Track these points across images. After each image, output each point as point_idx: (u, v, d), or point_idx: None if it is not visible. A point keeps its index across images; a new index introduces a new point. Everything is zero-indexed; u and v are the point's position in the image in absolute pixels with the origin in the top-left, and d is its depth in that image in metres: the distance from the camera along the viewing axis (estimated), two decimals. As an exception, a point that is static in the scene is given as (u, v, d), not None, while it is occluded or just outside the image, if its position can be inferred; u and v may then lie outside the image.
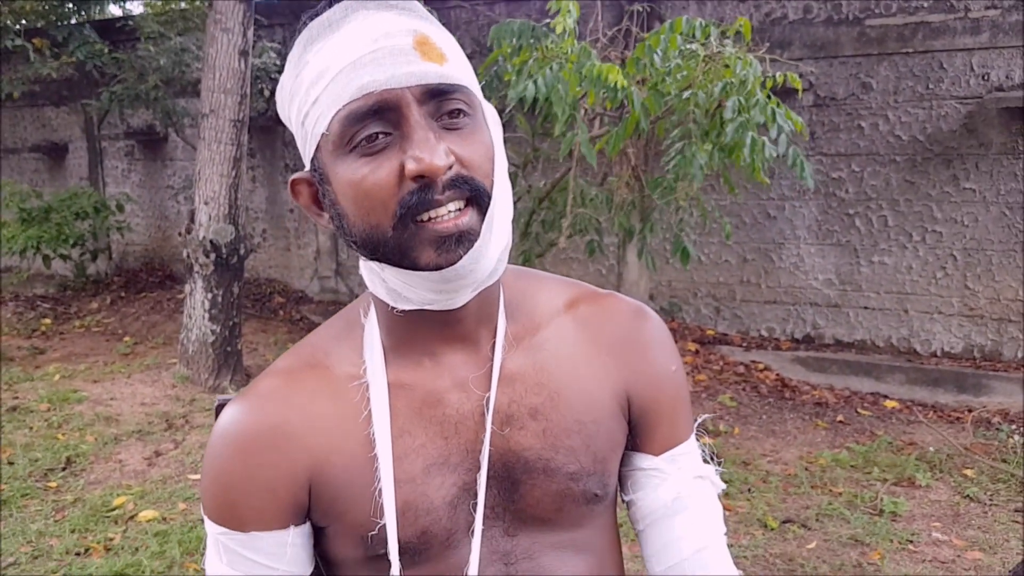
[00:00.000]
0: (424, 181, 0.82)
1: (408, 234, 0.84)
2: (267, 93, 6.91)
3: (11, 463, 4.08)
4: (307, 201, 0.93)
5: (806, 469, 4.05)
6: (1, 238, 7.09)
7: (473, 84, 0.88)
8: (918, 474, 3.92)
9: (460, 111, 0.85)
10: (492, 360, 0.96)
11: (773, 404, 4.95)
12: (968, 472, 3.97)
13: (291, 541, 0.94)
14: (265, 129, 7.54)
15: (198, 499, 3.70)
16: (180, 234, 5.31)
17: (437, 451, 0.94)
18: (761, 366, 5.46)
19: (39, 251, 7.15)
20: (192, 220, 5.18)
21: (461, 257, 0.84)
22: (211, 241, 5.09)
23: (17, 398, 5.01)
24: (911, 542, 3.34)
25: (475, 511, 0.94)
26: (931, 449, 4.23)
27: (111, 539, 3.38)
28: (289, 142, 7.58)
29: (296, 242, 7.71)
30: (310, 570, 0.98)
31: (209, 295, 5.16)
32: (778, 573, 3.12)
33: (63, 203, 7.31)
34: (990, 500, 3.70)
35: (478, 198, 0.85)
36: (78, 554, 3.28)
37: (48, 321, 7.27)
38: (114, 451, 4.26)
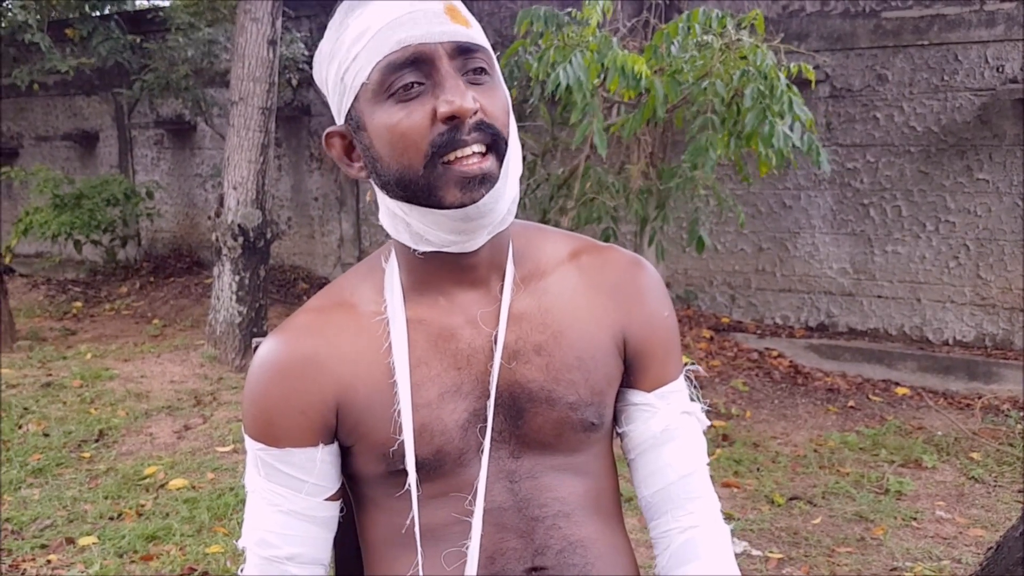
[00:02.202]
0: (454, 123, 0.94)
1: (436, 174, 0.96)
2: (295, 83, 7.05)
3: (46, 435, 4.24)
4: (339, 153, 1.05)
5: (815, 451, 4.15)
6: (34, 223, 7.28)
7: (491, 52, 1.02)
8: (925, 456, 4.00)
9: (482, 69, 0.98)
10: (501, 301, 1.08)
11: (785, 390, 5.04)
12: (975, 455, 4.05)
13: (320, 457, 1.06)
14: (291, 119, 7.69)
15: (227, 469, 3.85)
16: (209, 218, 5.47)
17: (450, 380, 1.05)
18: (775, 353, 5.55)
19: (71, 236, 7.32)
20: (221, 204, 5.33)
21: (483, 196, 0.96)
22: (239, 225, 5.24)
23: (50, 375, 5.18)
24: (915, 519, 3.43)
25: (484, 434, 1.06)
26: (939, 433, 4.31)
27: (143, 505, 3.53)
28: (315, 132, 7.72)
29: (320, 230, 7.86)
30: (338, 486, 1.10)
31: (236, 277, 5.31)
32: (783, 545, 3.23)
33: (94, 190, 7.48)
34: (995, 481, 3.78)
35: (497, 145, 0.97)
36: (111, 518, 3.44)
37: (79, 304, 7.47)
38: (145, 425, 4.42)
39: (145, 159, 8.81)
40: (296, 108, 7.60)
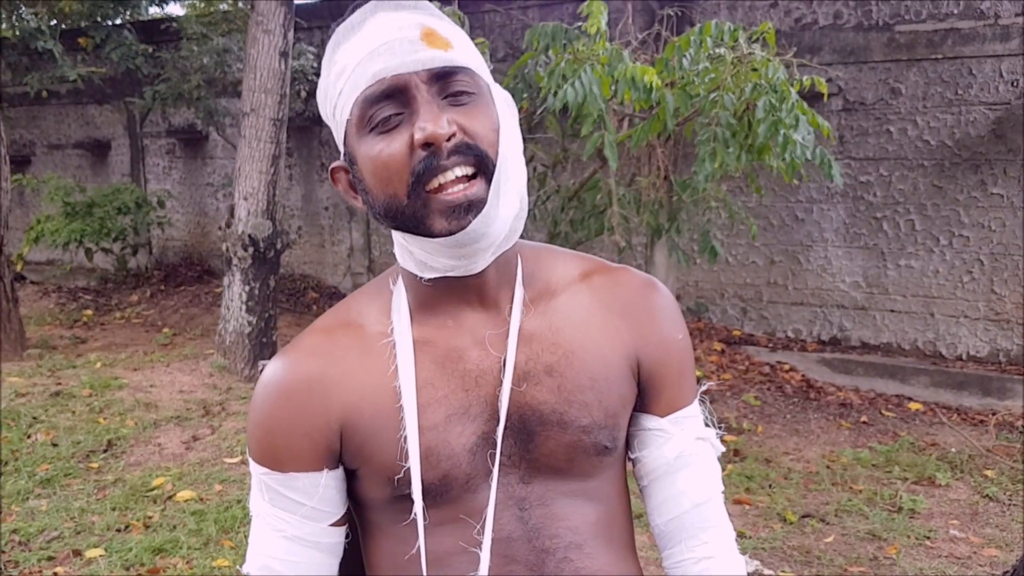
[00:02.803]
0: (431, 149, 0.92)
1: (421, 203, 0.94)
2: (304, 94, 7.06)
3: (55, 445, 4.23)
4: (345, 187, 1.05)
5: (827, 467, 4.11)
6: (45, 231, 7.30)
7: (479, 68, 0.99)
8: (939, 473, 3.96)
9: (464, 92, 0.96)
10: (510, 321, 1.06)
11: (798, 404, 5.00)
12: (989, 473, 4.01)
13: (324, 482, 1.04)
14: (302, 129, 7.70)
15: (234, 481, 3.83)
16: (220, 228, 5.46)
17: (458, 402, 1.03)
18: (787, 367, 5.51)
19: (82, 244, 7.34)
20: (232, 215, 5.33)
21: (471, 223, 0.94)
22: (249, 235, 5.23)
23: (60, 384, 5.17)
24: (928, 538, 3.39)
25: (493, 459, 1.03)
26: (953, 450, 4.27)
27: (150, 517, 3.52)
28: (325, 142, 7.74)
29: (330, 239, 7.86)
30: (343, 511, 1.08)
31: (246, 287, 5.31)
32: (795, 564, 3.19)
33: (106, 198, 7.51)
34: (1009, 500, 3.74)
35: (483, 165, 0.95)
36: (119, 530, 3.42)
37: (90, 312, 7.48)
38: (153, 435, 4.40)
39: (157, 168, 8.83)
40: (307, 118, 7.61)
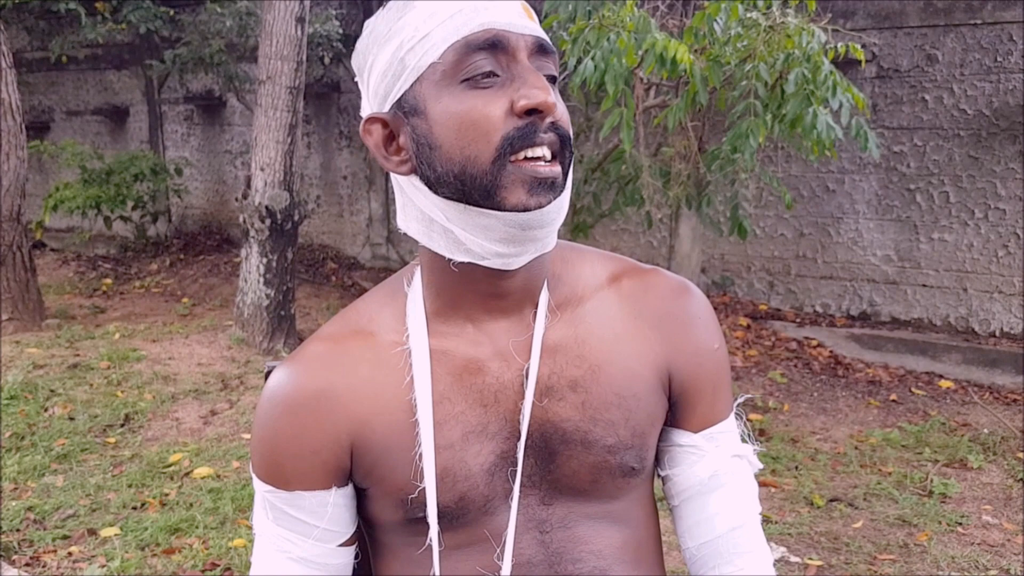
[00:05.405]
0: (533, 118, 0.86)
1: (504, 171, 0.86)
2: (327, 60, 6.93)
3: (72, 419, 4.21)
4: (377, 141, 0.93)
5: (856, 448, 4.01)
6: (64, 198, 7.26)
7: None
8: (971, 456, 3.86)
9: (553, 77, 0.91)
10: (534, 330, 0.97)
11: (825, 382, 4.89)
12: (1022, 455, 3.90)
13: (333, 501, 0.97)
14: (321, 96, 7.58)
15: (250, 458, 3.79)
16: (237, 199, 5.40)
17: (476, 419, 0.96)
18: (814, 343, 5.39)
19: (99, 212, 7.30)
20: (248, 186, 5.25)
21: (551, 201, 0.87)
22: (266, 207, 5.16)
23: (78, 355, 5.14)
24: (960, 524, 3.30)
25: (513, 479, 0.96)
26: (985, 431, 4.16)
27: (166, 494, 3.48)
28: (344, 109, 7.62)
29: (349, 209, 7.77)
30: (352, 530, 1.01)
31: (264, 260, 5.24)
32: (822, 551, 3.11)
33: (122, 165, 7.45)
34: (1045, 485, 3.64)
35: (564, 151, 0.89)
36: (134, 508, 3.39)
37: (109, 281, 7.46)
38: (171, 409, 4.37)
39: (175, 135, 8.76)
40: (326, 84, 7.49)
